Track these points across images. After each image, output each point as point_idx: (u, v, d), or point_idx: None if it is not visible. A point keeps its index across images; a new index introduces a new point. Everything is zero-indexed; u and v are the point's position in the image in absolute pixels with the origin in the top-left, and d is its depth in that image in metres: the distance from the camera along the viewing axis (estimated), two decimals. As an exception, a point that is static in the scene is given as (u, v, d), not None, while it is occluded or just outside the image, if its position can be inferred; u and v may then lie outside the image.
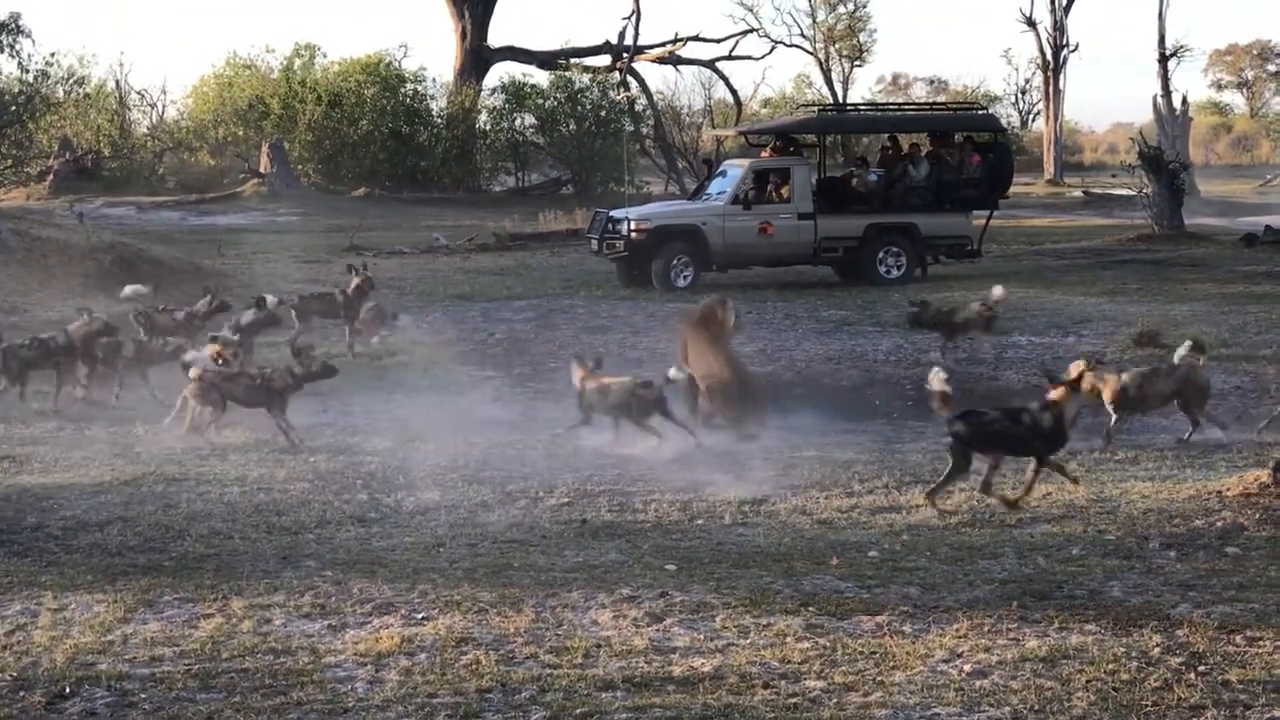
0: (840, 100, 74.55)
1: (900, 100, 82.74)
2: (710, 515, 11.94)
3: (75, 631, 8.90)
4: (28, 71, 58.98)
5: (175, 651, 8.57)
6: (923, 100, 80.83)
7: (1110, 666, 8.19)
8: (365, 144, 61.47)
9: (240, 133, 63.41)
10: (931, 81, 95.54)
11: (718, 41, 66.27)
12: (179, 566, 10.41)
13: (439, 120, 64.42)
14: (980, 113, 35.43)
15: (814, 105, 44.93)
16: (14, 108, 49.76)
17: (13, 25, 62.98)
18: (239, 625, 9.05)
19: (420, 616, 9.17)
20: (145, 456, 14.14)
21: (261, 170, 57.86)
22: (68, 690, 7.98)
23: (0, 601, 9.52)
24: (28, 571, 10.27)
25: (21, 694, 7.95)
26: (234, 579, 10.02)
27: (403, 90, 64.07)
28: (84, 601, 9.50)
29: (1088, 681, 7.96)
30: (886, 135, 32.89)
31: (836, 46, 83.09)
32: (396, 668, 8.30)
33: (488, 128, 65.22)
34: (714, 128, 59.86)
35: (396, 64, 64.56)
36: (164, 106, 71.60)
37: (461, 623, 9.06)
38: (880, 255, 29.29)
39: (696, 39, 65.66)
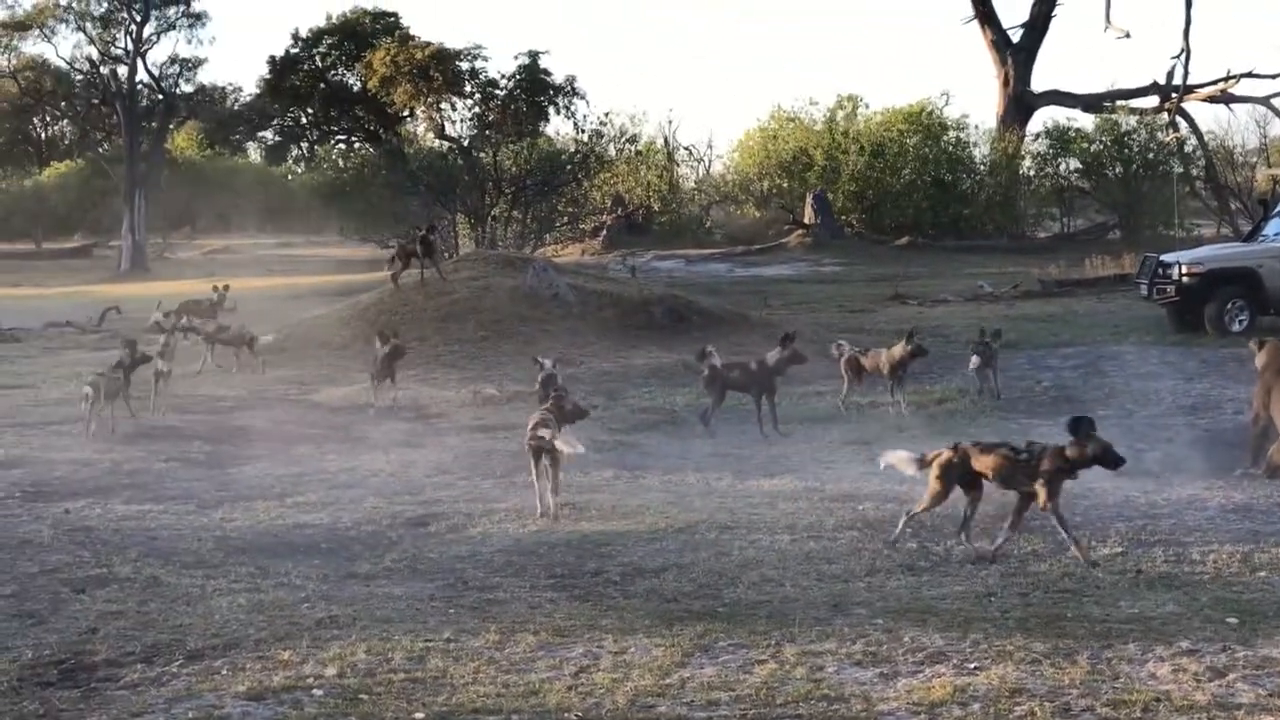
0: (1406, 134, 70.84)
1: None
2: (1273, 567, 11.47)
3: (635, 674, 9.11)
4: (583, 132, 61.60)
5: (731, 696, 8.70)
6: None
7: None
8: (908, 193, 61.78)
9: (784, 184, 64.53)
10: None
11: (1273, 77, 64.06)
12: (732, 613, 10.55)
13: (982, 167, 64.23)
14: None
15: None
16: (570, 166, 51.88)
17: (568, 88, 65.83)
18: (792, 672, 9.12)
19: (973, 666, 9.08)
20: (698, 504, 14.39)
21: (805, 221, 58.65)
22: (630, 730, 8.20)
23: (564, 644, 9.81)
24: (589, 615, 10.56)
25: (586, 732, 8.21)
26: (786, 626, 10.10)
27: (945, 138, 64.13)
28: (642, 645, 9.72)
29: None
30: None
31: (1404, 78, 79.03)
32: (950, 717, 8.25)
33: (1031, 173, 64.63)
34: (1270, 166, 57.80)
35: (938, 112, 64.69)
36: (710, 161, 73.59)
37: (1014, 673, 8.93)
38: None
39: (1250, 75, 63.69)
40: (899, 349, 20.37)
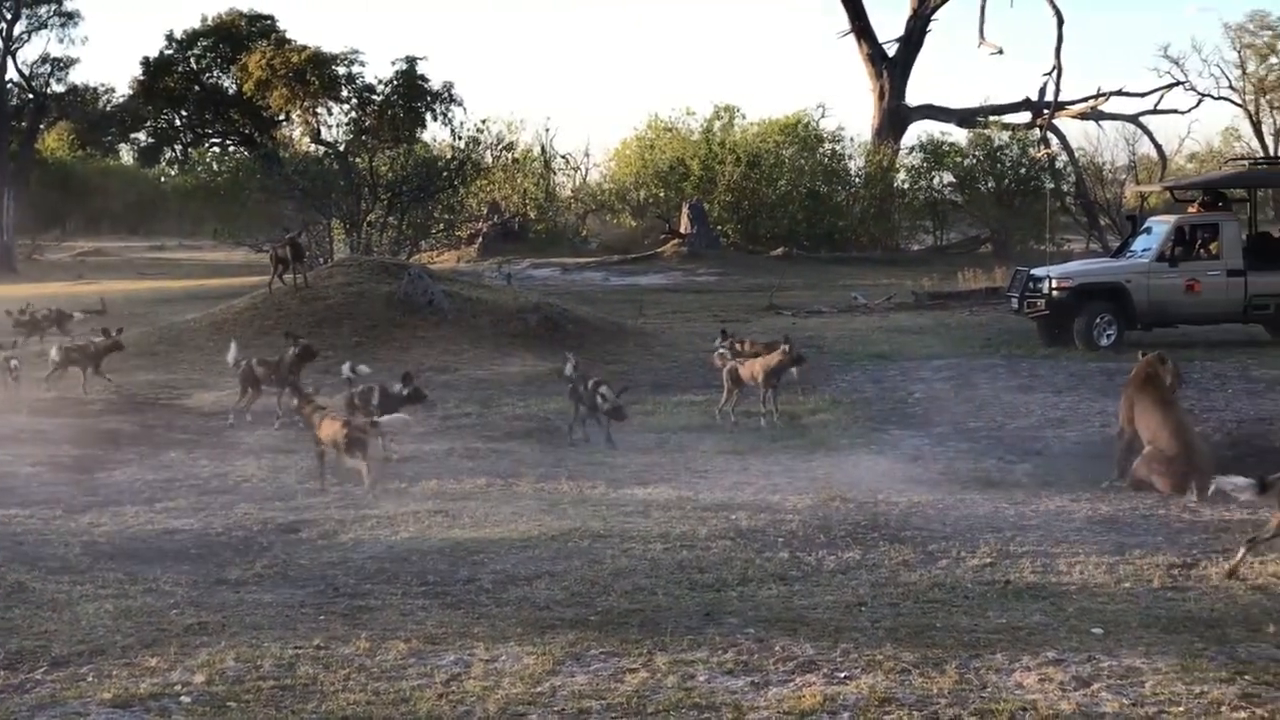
0: (1272, 153, 72.08)
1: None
2: (1137, 579, 11.63)
3: (506, 682, 9.09)
4: (459, 138, 61.40)
5: (602, 704, 8.71)
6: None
7: None
8: (783, 204, 62.11)
9: (661, 194, 64.63)
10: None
11: (1142, 95, 65.25)
12: (604, 621, 10.55)
13: (857, 179, 64.68)
14: None
15: (1244, 159, 43.46)
16: (446, 173, 51.63)
17: (445, 94, 65.67)
18: (663, 680, 9.13)
19: (843, 675, 9.14)
20: (571, 513, 14.37)
21: (681, 231, 58.79)
22: (500, 738, 8.18)
23: (435, 651, 9.78)
24: (460, 623, 10.53)
25: (456, 741, 8.17)
26: (658, 634, 10.11)
27: (820, 150, 64.50)
28: (514, 653, 9.70)
29: None
30: (1322, 188, 31.70)
31: (1268, 98, 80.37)
32: (819, 726, 8.29)
33: (905, 186, 65.18)
34: (1138, 183, 58.58)
35: (814, 124, 65.06)
36: (587, 170, 73.61)
37: (884, 682, 9.00)
38: (1317, 313, 28.27)
39: (1119, 94, 64.83)
40: (775, 356, 20.42)
